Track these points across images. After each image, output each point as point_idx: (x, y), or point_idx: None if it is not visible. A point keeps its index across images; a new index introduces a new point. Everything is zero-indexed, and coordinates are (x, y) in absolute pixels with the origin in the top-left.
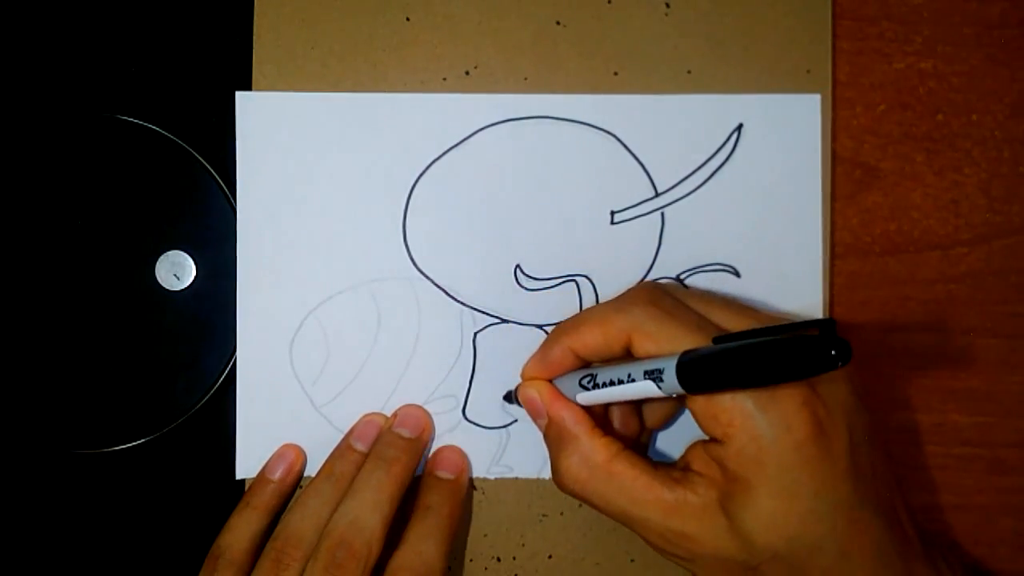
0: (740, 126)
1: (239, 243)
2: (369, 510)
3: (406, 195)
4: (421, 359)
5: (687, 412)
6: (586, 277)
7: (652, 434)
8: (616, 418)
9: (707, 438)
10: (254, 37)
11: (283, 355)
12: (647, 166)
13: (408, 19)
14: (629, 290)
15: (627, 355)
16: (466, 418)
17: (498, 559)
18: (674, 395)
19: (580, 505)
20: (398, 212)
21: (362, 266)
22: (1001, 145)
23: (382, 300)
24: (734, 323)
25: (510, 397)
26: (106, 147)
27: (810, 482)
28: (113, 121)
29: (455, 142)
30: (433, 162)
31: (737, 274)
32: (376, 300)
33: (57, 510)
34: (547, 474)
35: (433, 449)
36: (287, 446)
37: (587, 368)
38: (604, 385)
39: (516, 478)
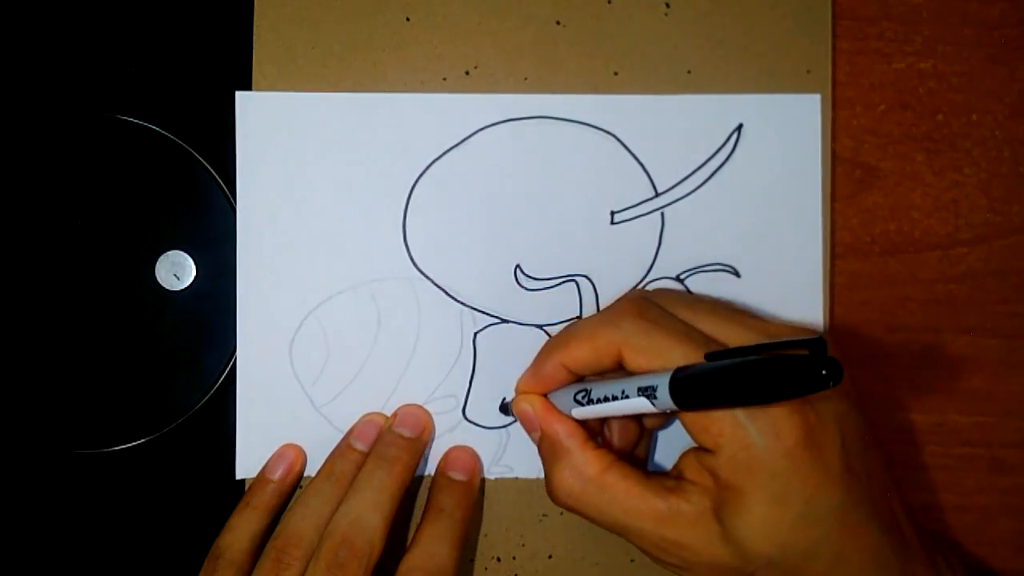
0: (740, 126)
1: (239, 243)
2: (371, 510)
3: (406, 195)
4: (421, 359)
5: None
6: (586, 277)
7: (653, 438)
8: (615, 424)
9: (697, 447)
10: (254, 37)
11: (283, 355)
12: (647, 166)
13: (408, 19)
14: (617, 302)
15: (619, 368)
16: (466, 418)
17: (498, 559)
18: (668, 411)
19: None
20: (398, 212)
21: (362, 266)
22: (1001, 145)
23: (382, 300)
24: (722, 331)
25: (506, 408)
26: (106, 147)
27: (801, 488)
28: (113, 121)
29: (455, 142)
30: (433, 162)
31: (737, 274)
32: (376, 300)
33: (57, 510)
34: None
35: (435, 449)
36: (287, 446)
37: (581, 382)
38: (598, 401)
39: (516, 478)
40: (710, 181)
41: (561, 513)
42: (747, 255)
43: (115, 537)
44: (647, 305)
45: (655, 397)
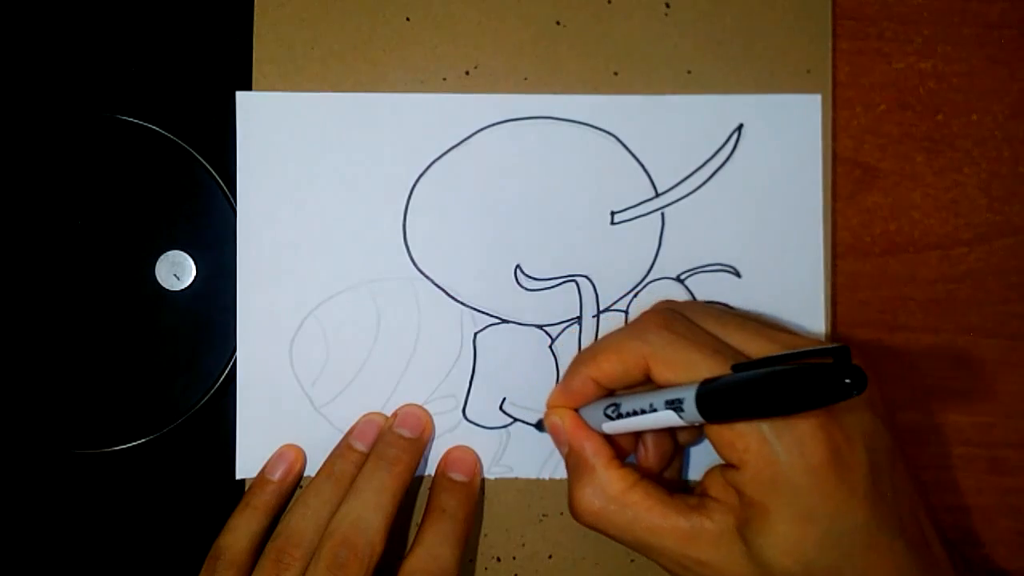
0: (740, 126)
1: (239, 243)
2: (372, 510)
3: (406, 195)
4: (421, 359)
5: None
6: (586, 277)
7: (685, 455)
8: (650, 441)
9: (723, 463)
10: (254, 37)
11: (283, 355)
12: (647, 166)
13: (408, 19)
14: (643, 314)
15: (649, 381)
16: (466, 418)
17: (498, 559)
18: (696, 424)
19: None
20: (398, 212)
21: (362, 266)
22: (1001, 145)
23: (382, 300)
24: (750, 344)
25: (540, 425)
26: (106, 147)
27: (826, 506)
28: (113, 121)
29: (455, 142)
30: (433, 162)
31: (737, 274)
32: (376, 300)
33: (57, 510)
34: (547, 474)
35: (435, 450)
36: (287, 446)
37: (612, 397)
38: (628, 415)
39: (516, 478)
40: (710, 181)
41: (561, 513)
42: (747, 255)
43: (115, 537)
44: (674, 317)
45: (682, 410)
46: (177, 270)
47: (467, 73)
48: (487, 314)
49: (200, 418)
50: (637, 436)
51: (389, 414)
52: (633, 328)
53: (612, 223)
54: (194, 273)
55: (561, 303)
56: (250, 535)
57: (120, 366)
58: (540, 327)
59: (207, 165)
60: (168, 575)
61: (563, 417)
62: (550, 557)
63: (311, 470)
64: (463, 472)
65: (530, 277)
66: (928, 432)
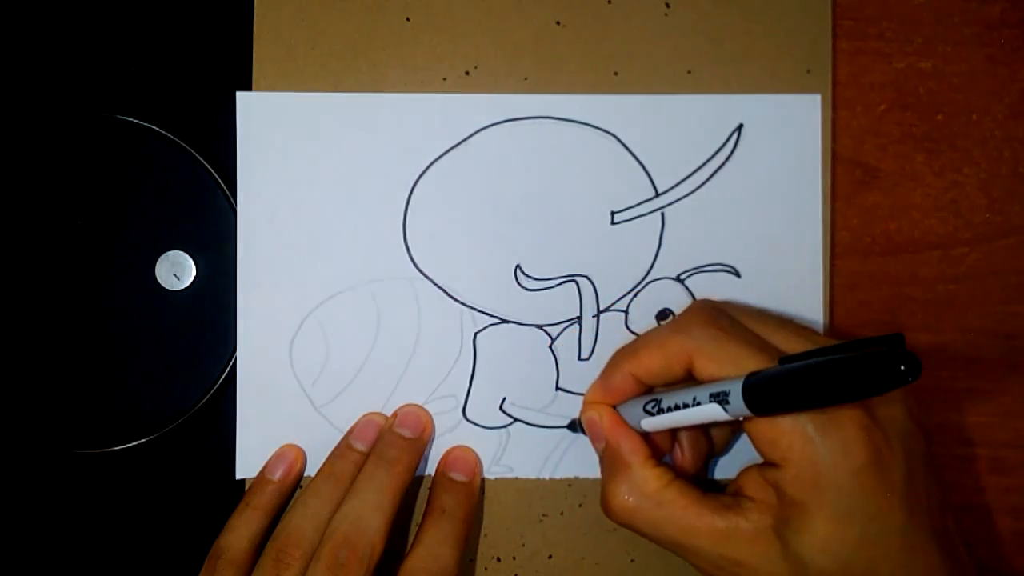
0: (740, 126)
1: (239, 243)
2: (372, 510)
3: (406, 195)
4: (421, 359)
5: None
6: (586, 277)
7: (713, 460)
8: (686, 441)
9: (761, 462)
10: (254, 37)
11: (283, 355)
12: (647, 166)
13: (408, 19)
14: (685, 311)
15: (688, 378)
16: (466, 418)
17: (498, 559)
18: (741, 418)
19: (580, 505)
20: (398, 212)
21: (362, 266)
22: (1001, 145)
23: (382, 300)
24: (791, 343)
25: (574, 426)
26: (106, 147)
27: (866, 507)
28: (113, 121)
29: (455, 142)
30: (433, 162)
31: (737, 274)
32: (376, 300)
33: (57, 510)
34: (547, 474)
35: (435, 449)
36: (287, 446)
37: (651, 393)
38: (669, 410)
39: (516, 478)
40: (710, 181)
41: (561, 513)
42: (747, 255)
43: (115, 537)
44: (717, 313)
45: (727, 403)
46: (177, 270)
47: (467, 73)
48: (487, 314)
49: (200, 418)
50: (673, 436)
51: (389, 414)
52: (676, 324)
53: (612, 223)
54: (194, 273)
55: (561, 303)
56: (250, 535)
57: (120, 366)
58: (540, 327)
59: (207, 165)
60: (168, 575)
61: (601, 413)
62: (550, 557)
63: (311, 470)
64: (463, 472)
65: (530, 277)
66: (929, 432)
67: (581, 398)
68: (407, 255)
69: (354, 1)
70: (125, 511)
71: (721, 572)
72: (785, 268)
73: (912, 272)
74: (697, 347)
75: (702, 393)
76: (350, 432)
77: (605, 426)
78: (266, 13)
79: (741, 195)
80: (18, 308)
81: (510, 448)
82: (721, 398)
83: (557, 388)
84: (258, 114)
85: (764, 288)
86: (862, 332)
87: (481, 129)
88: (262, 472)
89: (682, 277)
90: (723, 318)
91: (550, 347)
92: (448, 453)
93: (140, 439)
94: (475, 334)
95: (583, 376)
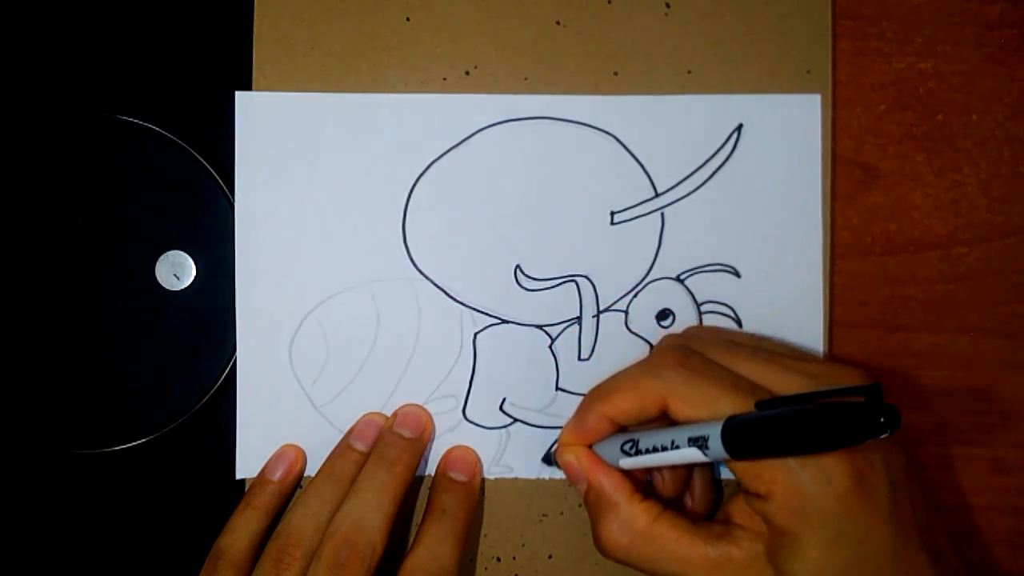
0: (740, 126)
1: (238, 243)
2: (373, 510)
3: (406, 195)
4: (421, 359)
5: None
6: (586, 277)
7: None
8: (666, 472)
9: (745, 491)
10: (254, 37)
11: (283, 355)
12: (647, 166)
13: (408, 19)
14: (656, 351)
15: (663, 417)
16: (466, 418)
17: (498, 559)
18: (719, 460)
19: (580, 505)
20: (398, 212)
21: (362, 266)
22: (1001, 145)
23: (382, 300)
24: (765, 377)
25: (549, 459)
26: (106, 147)
27: (854, 530)
28: (113, 121)
29: (455, 142)
30: (433, 162)
31: (737, 274)
32: (376, 300)
33: (57, 510)
34: (547, 474)
35: (435, 450)
36: (287, 446)
37: (627, 433)
38: (647, 451)
39: (516, 478)
40: (710, 181)
41: (561, 513)
42: (747, 255)
43: (115, 537)
44: (688, 353)
45: (707, 447)
46: (177, 270)
47: (467, 73)
48: (487, 314)
49: (200, 418)
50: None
51: (389, 414)
52: (648, 365)
53: (612, 223)
54: (194, 273)
55: (561, 303)
56: (250, 535)
57: (120, 366)
58: (540, 327)
59: (207, 165)
60: (168, 575)
61: (578, 456)
62: (550, 557)
63: (311, 470)
64: (463, 472)
65: (530, 277)
66: (928, 432)
67: (581, 399)
68: (407, 255)
69: (354, 1)
70: (125, 511)
71: None
72: (785, 268)
73: (912, 272)
74: (670, 390)
75: (680, 437)
76: (350, 432)
77: (585, 467)
78: (266, 13)
79: (741, 195)
80: (18, 308)
81: (510, 448)
82: (700, 443)
83: (557, 388)
84: (257, 114)
85: (764, 288)
86: (862, 332)
87: (481, 129)
88: (262, 472)
89: (682, 277)
90: (693, 357)
91: (550, 347)
92: (448, 453)
93: (140, 439)
94: (475, 334)
95: (583, 376)
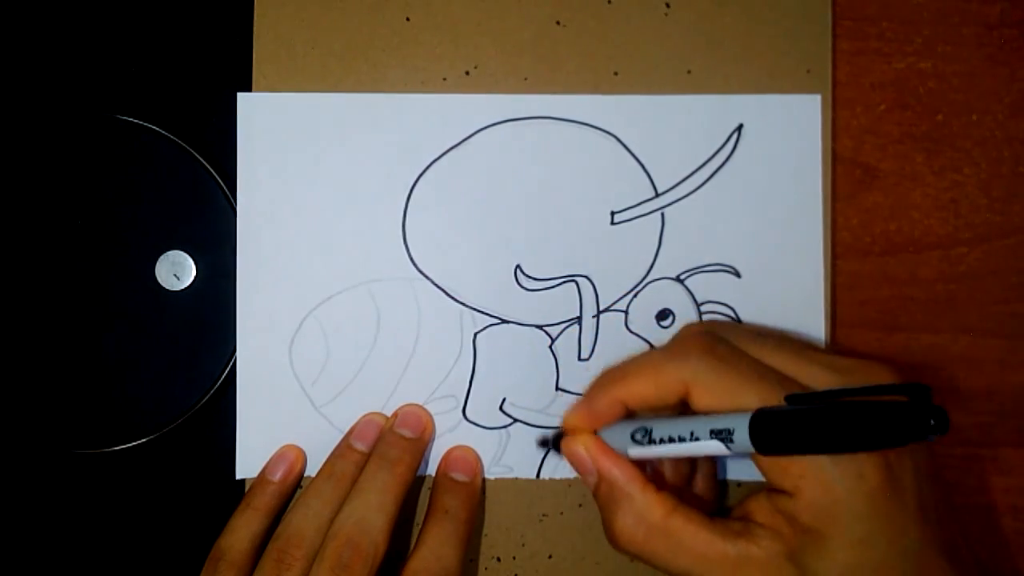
0: (740, 126)
1: (239, 243)
2: (375, 511)
3: (406, 195)
4: (421, 359)
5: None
6: (586, 277)
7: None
8: (668, 471)
9: (768, 488)
10: (254, 37)
11: (283, 355)
12: (647, 166)
13: (408, 19)
14: (680, 336)
15: (678, 406)
16: (466, 418)
17: (498, 559)
18: (742, 455)
19: (580, 505)
20: (398, 212)
21: (362, 266)
22: (1001, 145)
23: (382, 300)
24: (794, 369)
25: (546, 442)
26: (106, 147)
27: (884, 530)
28: (113, 121)
29: (455, 142)
30: (433, 162)
31: (737, 274)
32: (376, 300)
33: (57, 510)
34: (547, 474)
35: (435, 450)
36: (287, 447)
37: (636, 420)
38: (662, 441)
39: (516, 478)
40: (710, 181)
41: (561, 513)
42: (747, 255)
43: (115, 537)
44: (715, 340)
45: (731, 441)
46: (177, 270)
47: (467, 73)
48: (487, 314)
49: (200, 418)
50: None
51: (389, 414)
52: (671, 351)
53: (612, 223)
54: (194, 273)
55: (561, 303)
56: (251, 536)
57: (120, 366)
58: (540, 327)
59: (207, 165)
60: (168, 575)
61: (587, 445)
62: (550, 557)
63: (311, 470)
64: (464, 472)
65: (530, 277)
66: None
67: (580, 399)
68: (407, 255)
69: (354, 1)
70: (125, 511)
71: None
72: (785, 268)
73: (912, 272)
74: (694, 377)
75: (701, 428)
76: (350, 432)
77: (594, 457)
78: (266, 13)
79: (741, 195)
80: (18, 308)
81: (510, 448)
82: (724, 436)
83: (557, 388)
84: (259, 114)
85: (764, 288)
86: (862, 332)
87: (481, 129)
88: (262, 473)
89: (682, 277)
90: (721, 346)
91: (550, 347)
92: (449, 453)
93: (140, 439)
94: (475, 334)
95: (583, 376)
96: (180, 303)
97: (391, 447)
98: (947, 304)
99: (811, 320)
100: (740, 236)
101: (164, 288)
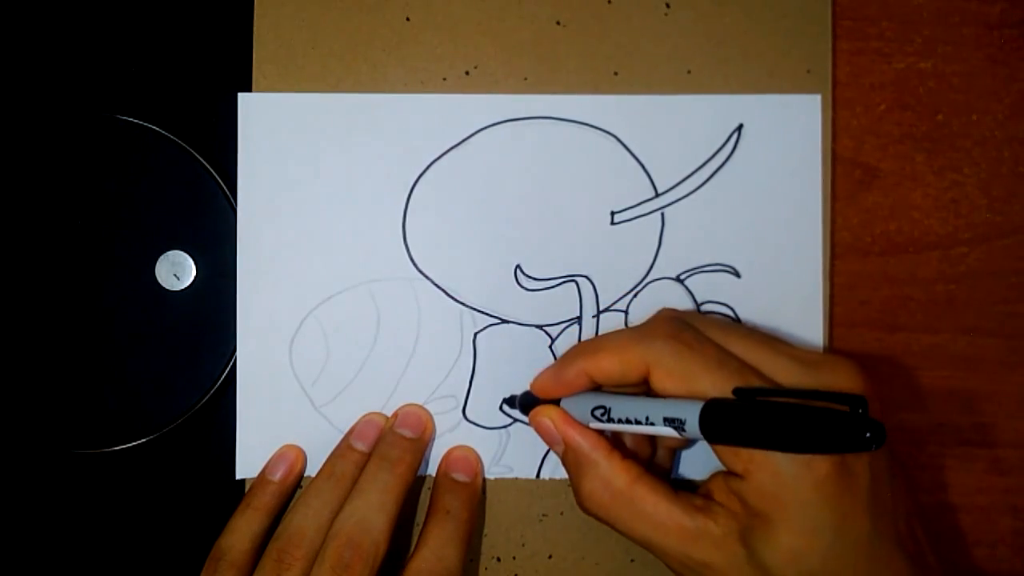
0: (740, 126)
1: (239, 243)
2: (375, 510)
3: (406, 195)
4: (421, 359)
5: None
6: (586, 277)
7: (675, 453)
8: (628, 439)
9: (725, 470)
10: (254, 37)
11: (283, 355)
12: (647, 166)
13: (408, 19)
14: (651, 319)
15: (642, 384)
16: (466, 418)
17: (498, 559)
18: (694, 439)
19: None
20: (398, 212)
21: (362, 266)
22: (1001, 145)
23: (382, 300)
24: (756, 357)
25: (512, 402)
26: (106, 147)
27: (831, 519)
28: (113, 121)
29: (455, 142)
30: (433, 162)
31: (737, 274)
32: (376, 300)
33: (57, 510)
34: (547, 474)
35: (435, 450)
36: (287, 447)
37: (600, 394)
38: (620, 421)
39: (516, 478)
40: (710, 181)
41: (561, 513)
42: (747, 255)
43: (115, 537)
44: (682, 326)
45: (683, 429)
46: (177, 270)
47: (467, 73)
48: (487, 314)
49: (200, 418)
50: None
51: (389, 414)
52: (640, 332)
53: (612, 223)
54: (194, 273)
55: (561, 303)
56: (251, 536)
57: (120, 366)
58: (540, 327)
59: (207, 165)
60: (168, 575)
61: (553, 418)
62: (550, 557)
63: (311, 470)
64: (465, 472)
65: (530, 277)
66: (928, 432)
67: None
68: (407, 255)
69: (354, 1)
70: (125, 511)
71: (689, 572)
72: (785, 268)
73: (912, 272)
74: (657, 359)
75: (655, 413)
76: (350, 432)
77: (559, 428)
78: (266, 13)
79: (741, 195)
80: (18, 308)
81: (510, 448)
82: (676, 424)
83: None
84: (259, 115)
85: (763, 288)
86: (862, 332)
87: (481, 129)
88: (263, 472)
89: (682, 277)
90: (687, 331)
91: (550, 347)
92: (449, 453)
93: (140, 439)
94: (475, 334)
95: None
96: (180, 303)
97: (391, 447)
98: (947, 304)
99: (810, 320)
100: (740, 236)
101: (164, 288)
